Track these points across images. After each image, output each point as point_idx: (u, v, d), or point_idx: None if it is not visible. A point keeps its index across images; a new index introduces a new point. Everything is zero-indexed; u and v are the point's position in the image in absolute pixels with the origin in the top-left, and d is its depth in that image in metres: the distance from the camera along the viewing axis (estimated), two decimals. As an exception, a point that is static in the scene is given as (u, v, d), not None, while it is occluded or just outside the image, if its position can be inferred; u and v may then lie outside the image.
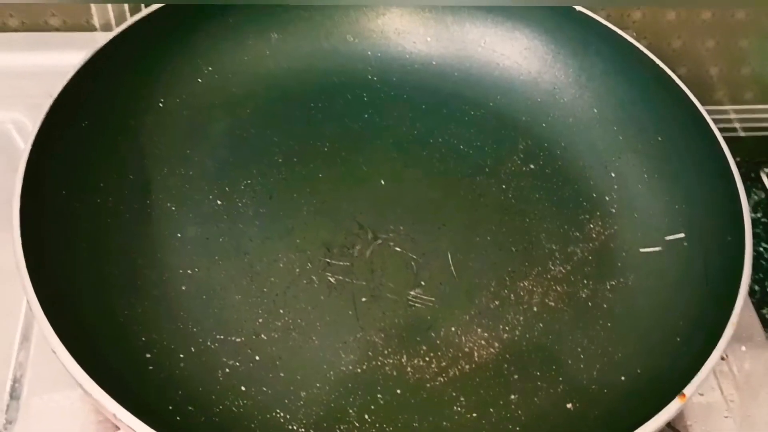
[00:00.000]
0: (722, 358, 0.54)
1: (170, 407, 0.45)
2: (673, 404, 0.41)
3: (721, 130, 0.66)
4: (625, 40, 0.61)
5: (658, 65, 0.60)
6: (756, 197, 0.77)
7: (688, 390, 0.42)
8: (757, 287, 0.69)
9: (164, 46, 0.59)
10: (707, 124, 0.56)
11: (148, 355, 0.47)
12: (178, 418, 0.44)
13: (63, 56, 0.67)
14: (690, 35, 0.76)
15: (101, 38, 0.57)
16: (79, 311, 0.46)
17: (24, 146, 0.48)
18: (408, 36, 0.67)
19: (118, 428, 0.44)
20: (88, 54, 0.54)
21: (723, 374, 0.54)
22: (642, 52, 0.61)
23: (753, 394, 0.53)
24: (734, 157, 0.55)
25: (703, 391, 0.52)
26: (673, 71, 0.60)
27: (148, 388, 0.45)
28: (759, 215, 0.75)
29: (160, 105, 0.59)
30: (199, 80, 0.61)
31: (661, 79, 0.60)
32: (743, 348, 0.56)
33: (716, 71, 0.79)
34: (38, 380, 0.49)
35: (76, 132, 0.53)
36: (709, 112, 0.57)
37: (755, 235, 0.76)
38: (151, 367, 0.46)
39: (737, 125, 0.83)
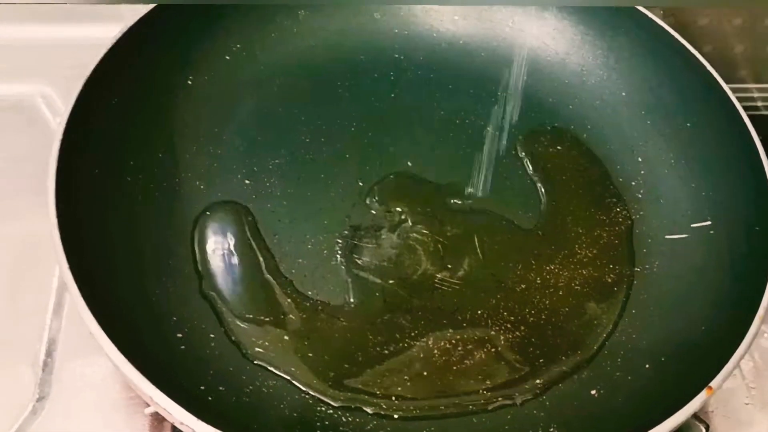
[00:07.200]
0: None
1: (202, 387, 0.45)
2: (700, 397, 0.41)
3: (743, 108, 0.65)
4: (654, 22, 0.61)
5: (687, 49, 0.59)
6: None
7: (715, 383, 0.42)
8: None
9: (193, 23, 0.59)
10: (737, 111, 0.55)
11: (180, 335, 0.48)
12: (209, 398, 0.45)
13: (89, 29, 0.67)
14: (716, 13, 0.75)
15: (127, 10, 0.57)
16: (114, 291, 0.46)
17: (52, 119, 0.48)
18: (435, 14, 0.66)
19: (148, 405, 0.45)
20: (119, 32, 0.54)
21: (744, 360, 0.54)
22: (671, 34, 0.60)
23: (774, 381, 0.53)
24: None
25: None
26: (699, 49, 0.59)
27: (180, 369, 0.46)
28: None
29: (189, 82, 0.59)
30: (227, 57, 0.61)
31: (690, 63, 0.59)
32: (765, 334, 0.56)
33: (741, 49, 0.78)
34: (70, 355, 0.51)
35: (108, 110, 0.53)
36: (732, 90, 0.57)
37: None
38: (182, 347, 0.47)
39: (760, 104, 0.82)
